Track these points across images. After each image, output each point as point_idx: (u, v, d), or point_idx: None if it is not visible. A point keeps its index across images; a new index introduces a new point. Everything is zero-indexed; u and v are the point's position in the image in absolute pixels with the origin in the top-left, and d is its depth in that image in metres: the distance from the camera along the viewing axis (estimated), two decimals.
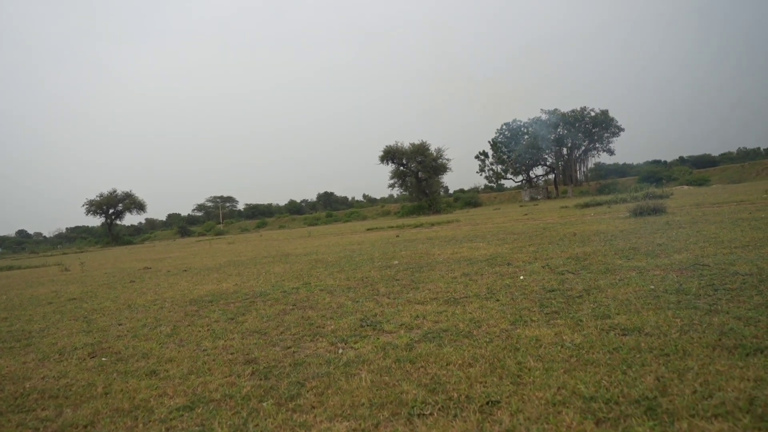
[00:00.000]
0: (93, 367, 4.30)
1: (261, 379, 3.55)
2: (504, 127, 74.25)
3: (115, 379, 3.92)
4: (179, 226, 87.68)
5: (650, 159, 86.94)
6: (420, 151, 56.12)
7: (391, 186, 60.44)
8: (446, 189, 76.82)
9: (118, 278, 12.57)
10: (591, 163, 76.35)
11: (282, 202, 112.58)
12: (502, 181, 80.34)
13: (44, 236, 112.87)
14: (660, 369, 2.96)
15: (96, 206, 72.25)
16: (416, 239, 15.21)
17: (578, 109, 68.23)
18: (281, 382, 3.45)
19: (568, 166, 71.65)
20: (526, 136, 69.40)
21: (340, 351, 4.06)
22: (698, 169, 71.18)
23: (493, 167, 77.69)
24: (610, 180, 67.74)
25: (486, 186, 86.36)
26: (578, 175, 72.84)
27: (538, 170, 73.29)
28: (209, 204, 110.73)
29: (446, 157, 56.79)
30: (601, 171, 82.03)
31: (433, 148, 56.50)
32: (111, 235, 71.78)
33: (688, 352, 3.19)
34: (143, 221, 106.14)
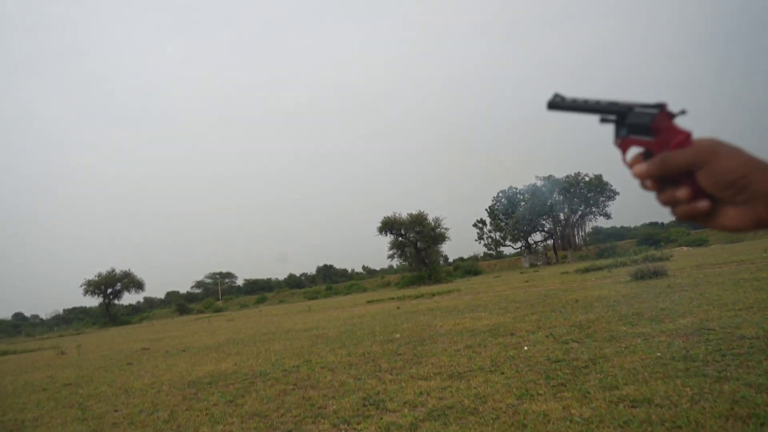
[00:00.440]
0: None
1: None
2: (500, 194, 75.08)
3: None
4: (178, 303, 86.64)
5: (647, 221, 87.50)
6: (418, 221, 56.45)
7: (391, 257, 60.34)
8: (446, 258, 76.65)
9: (116, 361, 12.32)
10: (589, 227, 76.73)
11: (281, 276, 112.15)
12: (501, 248, 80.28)
13: (41, 318, 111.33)
14: None
15: (94, 286, 71.67)
16: (417, 311, 15.05)
17: (572, 174, 69.31)
18: None
19: (566, 231, 71.95)
20: (522, 203, 70.12)
21: None
22: (696, 230, 71.53)
23: (492, 234, 77.92)
24: (608, 244, 67.81)
25: (485, 253, 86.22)
26: (577, 240, 72.99)
27: (537, 236, 73.56)
28: (208, 280, 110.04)
29: (444, 226, 57.10)
30: (599, 235, 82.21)
31: (430, 218, 56.91)
32: (109, 316, 70.84)
33: (701, 423, 3.10)
34: (141, 300, 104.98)
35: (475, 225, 79.05)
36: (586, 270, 24.38)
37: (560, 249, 69.43)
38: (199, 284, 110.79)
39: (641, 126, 0.71)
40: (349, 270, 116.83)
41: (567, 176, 69.14)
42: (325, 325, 14.61)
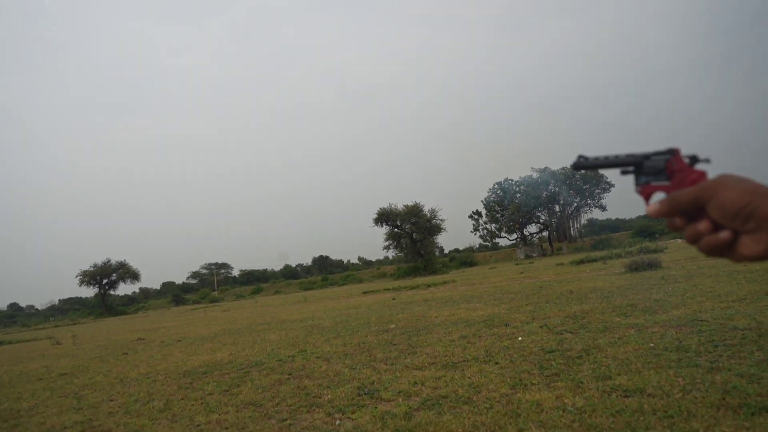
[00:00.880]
0: None
1: None
2: (496, 186, 75.08)
3: None
4: (173, 294, 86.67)
5: (642, 213, 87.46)
6: (414, 212, 56.44)
7: (386, 248, 60.35)
8: (441, 249, 76.80)
9: (111, 351, 12.32)
10: (584, 219, 76.92)
11: (277, 267, 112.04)
12: (497, 240, 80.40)
13: (36, 309, 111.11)
14: None
15: (89, 277, 71.49)
16: (413, 301, 15.09)
17: (568, 166, 69.44)
18: None
19: (562, 222, 72.11)
20: (518, 195, 70.17)
21: (338, 422, 3.95)
22: None
23: (487, 226, 78.03)
24: (603, 235, 67.98)
25: (481, 245, 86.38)
26: (572, 232, 73.18)
27: (532, 228, 73.67)
28: (204, 271, 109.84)
29: (440, 217, 57.14)
30: (594, 227, 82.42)
31: (426, 209, 56.92)
32: (104, 306, 70.73)
33: (693, 413, 3.13)
34: (137, 291, 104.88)
35: (470, 216, 79.08)
36: (581, 261, 24.46)
37: (555, 241, 69.58)
38: (194, 275, 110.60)
39: (657, 171, 0.77)
40: (345, 261, 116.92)
41: (563, 168, 69.14)
42: (321, 315, 14.64)
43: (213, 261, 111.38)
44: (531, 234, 74.54)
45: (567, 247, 62.15)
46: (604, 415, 3.28)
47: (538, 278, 18.17)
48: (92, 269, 71.92)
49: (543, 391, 4.01)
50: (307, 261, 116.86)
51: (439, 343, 6.85)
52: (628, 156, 0.81)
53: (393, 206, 57.53)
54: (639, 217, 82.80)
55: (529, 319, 7.94)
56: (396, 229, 58.06)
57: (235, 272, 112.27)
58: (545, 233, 72.17)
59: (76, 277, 71.98)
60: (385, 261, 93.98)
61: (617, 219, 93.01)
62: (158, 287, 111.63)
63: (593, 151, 0.85)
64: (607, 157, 0.83)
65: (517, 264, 44.39)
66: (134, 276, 74.39)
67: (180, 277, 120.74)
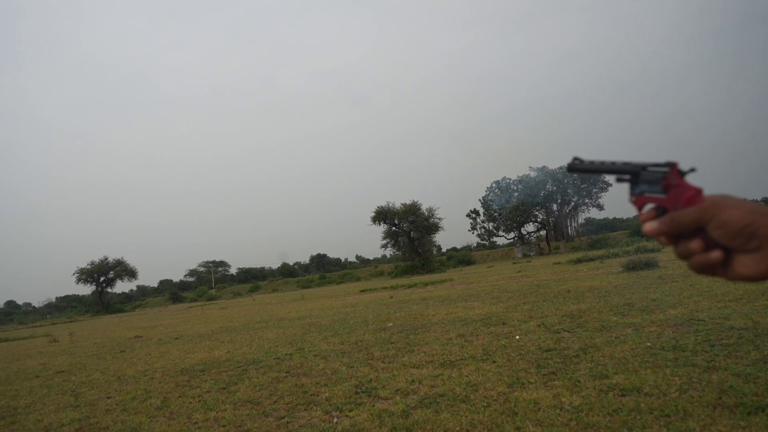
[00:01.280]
0: None
1: None
2: (494, 185, 75.11)
3: None
4: (171, 292, 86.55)
5: None
6: (411, 210, 56.37)
7: (384, 246, 60.26)
8: (439, 248, 76.82)
9: (108, 348, 12.31)
10: (581, 218, 77.01)
11: (275, 265, 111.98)
12: (494, 239, 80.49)
13: (33, 306, 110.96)
14: (661, 431, 2.91)
15: (87, 274, 71.32)
16: (410, 300, 15.09)
17: (566, 165, 69.38)
18: None
19: (559, 221, 72.17)
20: (516, 194, 70.20)
21: (335, 420, 3.96)
22: None
23: (485, 225, 78.05)
24: (601, 235, 68.06)
25: (478, 244, 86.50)
26: (569, 231, 73.25)
27: (530, 227, 73.73)
28: (201, 269, 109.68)
29: (438, 216, 57.09)
30: (591, 226, 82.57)
31: (424, 208, 56.84)
32: (102, 304, 70.56)
33: (689, 412, 3.14)
34: (134, 288, 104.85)
35: (468, 215, 79.11)
36: (579, 261, 24.48)
37: (553, 240, 69.67)
38: (192, 273, 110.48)
39: (654, 183, 0.76)
40: (343, 259, 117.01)
41: (560, 167, 69.17)
42: (318, 313, 14.64)
43: (210, 259, 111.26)
44: (528, 233, 74.61)
45: (564, 246, 62.19)
46: (600, 414, 3.29)
47: (536, 277, 18.19)
48: (90, 267, 71.75)
49: (540, 389, 4.02)
50: (305, 259, 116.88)
51: (437, 342, 6.86)
52: (625, 164, 0.80)
53: (391, 204, 57.50)
54: (636, 217, 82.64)
55: (527, 318, 7.95)
56: (394, 228, 58.01)
57: (233, 270, 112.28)
58: (543, 232, 72.24)
59: (74, 274, 71.81)
60: (383, 259, 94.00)
61: (614, 218, 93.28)
62: (156, 285, 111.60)
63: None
64: (603, 163, 0.83)
65: (514, 263, 44.43)
66: (131, 274, 74.23)
67: (177, 275, 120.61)
